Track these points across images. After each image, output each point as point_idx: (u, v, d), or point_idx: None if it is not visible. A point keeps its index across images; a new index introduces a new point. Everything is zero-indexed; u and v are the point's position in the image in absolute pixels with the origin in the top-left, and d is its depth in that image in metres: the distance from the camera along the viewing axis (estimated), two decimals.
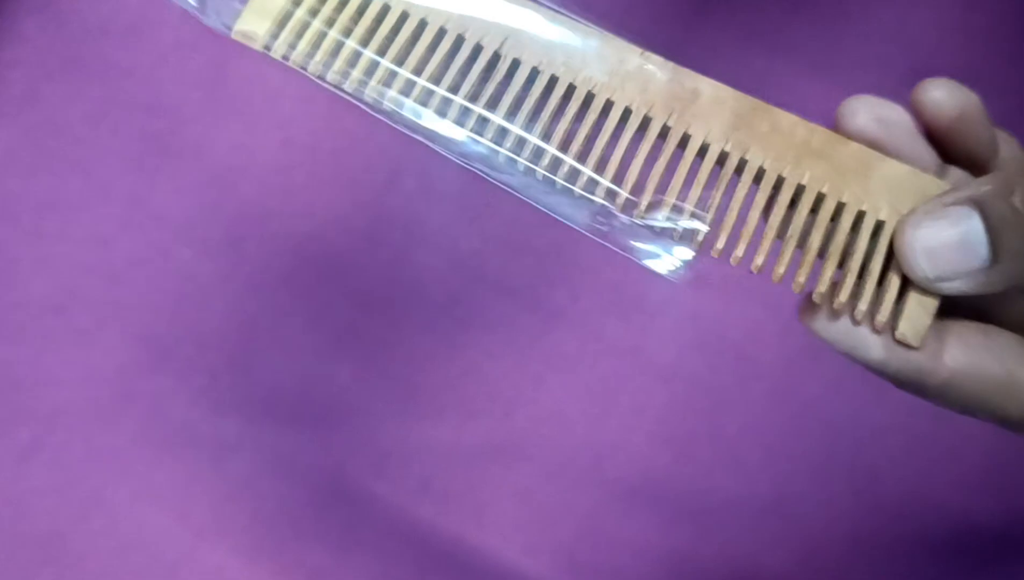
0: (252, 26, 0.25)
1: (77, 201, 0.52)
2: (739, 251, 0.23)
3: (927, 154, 0.24)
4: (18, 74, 0.54)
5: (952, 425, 0.47)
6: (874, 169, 0.24)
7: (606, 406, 0.49)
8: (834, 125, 0.24)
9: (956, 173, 0.25)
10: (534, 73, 0.24)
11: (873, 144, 0.24)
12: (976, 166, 0.25)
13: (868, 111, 0.24)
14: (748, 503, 0.47)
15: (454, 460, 0.48)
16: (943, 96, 0.24)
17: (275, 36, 0.25)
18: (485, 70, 0.24)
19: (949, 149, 0.25)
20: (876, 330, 0.24)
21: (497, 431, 0.48)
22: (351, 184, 0.52)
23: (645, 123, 0.24)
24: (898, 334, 0.23)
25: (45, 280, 0.51)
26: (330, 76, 0.25)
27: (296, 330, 0.50)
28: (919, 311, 0.23)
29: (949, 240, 0.23)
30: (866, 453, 0.47)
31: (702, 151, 0.24)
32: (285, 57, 0.24)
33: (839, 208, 0.24)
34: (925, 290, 0.23)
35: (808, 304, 0.24)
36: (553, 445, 0.48)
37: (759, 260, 0.23)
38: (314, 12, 0.25)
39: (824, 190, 0.24)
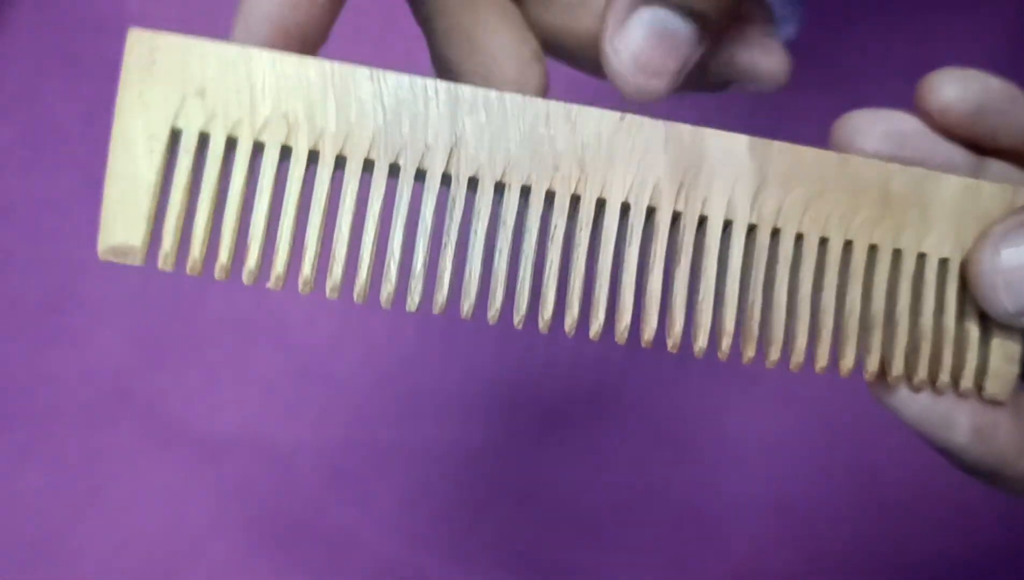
0: (122, 237, 0.19)
1: (74, 199, 0.52)
2: (797, 357, 0.20)
3: (956, 154, 0.21)
4: (15, 71, 0.54)
5: None
6: (925, 192, 0.20)
7: (606, 406, 0.48)
8: None
9: (996, 166, 0.22)
10: (500, 189, 0.19)
11: None
12: (1017, 153, 0.22)
13: (873, 128, 0.21)
14: (748, 503, 0.47)
15: (454, 460, 0.48)
16: (954, 92, 0.21)
17: (158, 239, 0.19)
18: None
19: (979, 143, 0.21)
20: (961, 396, 0.21)
21: (496, 431, 0.48)
22: None
23: (650, 214, 0.20)
24: (986, 395, 0.20)
25: (41, 279, 0.51)
26: (245, 277, 0.18)
27: (295, 328, 0.50)
28: (1002, 362, 0.21)
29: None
30: (867, 453, 0.47)
31: (726, 230, 0.20)
32: (180, 265, 0.18)
33: (896, 258, 0.20)
34: (1005, 334, 0.20)
35: (879, 378, 0.21)
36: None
37: (821, 361, 0.21)
38: (194, 191, 0.19)
39: (875, 240, 0.20)
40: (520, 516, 0.47)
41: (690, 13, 0.20)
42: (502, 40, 0.23)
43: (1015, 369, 0.21)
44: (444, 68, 0.23)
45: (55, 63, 0.54)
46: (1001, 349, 0.20)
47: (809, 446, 0.47)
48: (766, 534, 0.46)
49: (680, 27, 0.21)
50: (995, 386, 0.20)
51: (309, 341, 0.50)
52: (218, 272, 0.18)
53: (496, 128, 0.19)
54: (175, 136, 0.18)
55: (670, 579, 0.46)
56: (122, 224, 0.19)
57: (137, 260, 0.19)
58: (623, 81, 0.21)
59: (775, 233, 0.20)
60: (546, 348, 0.49)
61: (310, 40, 0.21)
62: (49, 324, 0.50)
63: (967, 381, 0.20)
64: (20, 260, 0.51)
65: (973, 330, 0.20)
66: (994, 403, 0.21)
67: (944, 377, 0.20)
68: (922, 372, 0.20)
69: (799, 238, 0.20)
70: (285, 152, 0.19)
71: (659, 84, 0.21)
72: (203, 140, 0.18)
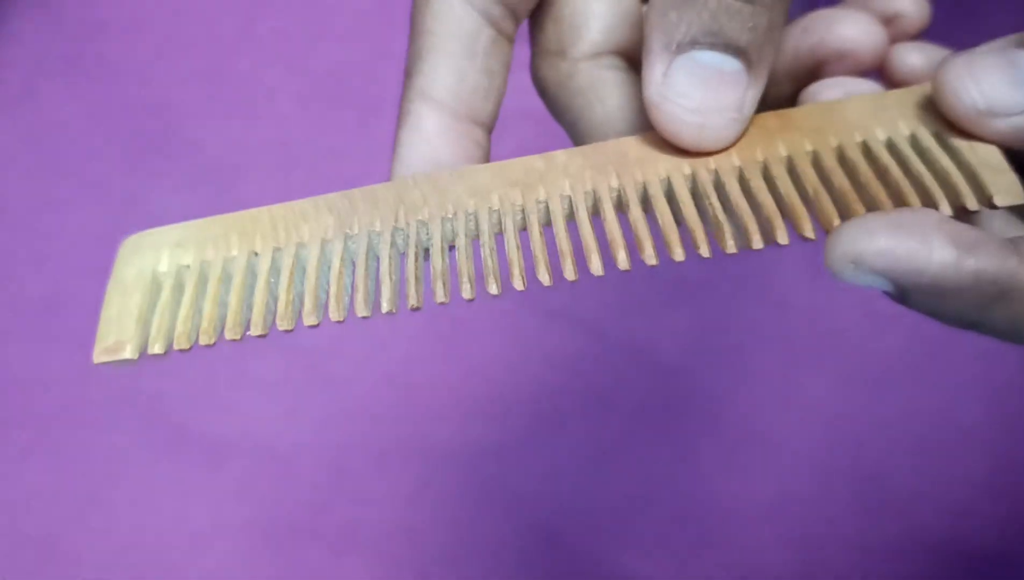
0: (115, 336, 0.21)
1: (75, 200, 0.52)
2: (780, 228, 0.20)
3: None
4: (16, 73, 0.54)
5: (953, 425, 0.47)
6: (838, 112, 0.21)
7: (606, 406, 0.48)
8: None
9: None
10: (451, 227, 0.22)
11: None
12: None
13: (838, 91, 0.22)
14: (748, 503, 0.47)
15: (454, 460, 0.48)
16: (918, 61, 0.22)
17: (146, 334, 0.21)
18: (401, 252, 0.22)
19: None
20: (967, 209, 0.19)
21: (495, 431, 0.48)
22: (349, 182, 0.52)
23: (596, 202, 0.21)
24: (998, 200, 0.19)
25: (43, 280, 0.51)
26: (227, 334, 0.21)
27: (295, 329, 0.50)
28: (993, 173, 0.20)
29: (998, 65, 0.20)
30: (867, 453, 0.47)
31: (669, 195, 0.21)
32: (169, 349, 0.21)
33: (841, 152, 0.21)
34: (982, 150, 0.20)
35: (837, 237, 0.19)
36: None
37: (806, 228, 0.20)
38: (177, 296, 0.22)
39: (809, 148, 0.21)
40: (520, 516, 0.47)
41: (729, 47, 0.20)
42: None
43: (1010, 172, 0.20)
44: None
45: (55, 63, 0.54)
46: (986, 164, 0.20)
47: (809, 446, 0.47)
48: (766, 534, 0.46)
49: (726, 64, 0.20)
50: (1003, 196, 0.19)
51: (309, 342, 0.50)
52: (202, 337, 0.21)
53: (438, 191, 0.23)
54: (157, 274, 0.22)
55: (670, 579, 0.46)
56: (114, 329, 0.21)
57: (130, 353, 0.21)
58: (677, 131, 0.20)
59: (716, 178, 0.21)
60: (546, 348, 0.49)
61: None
62: (49, 324, 0.50)
63: (972, 202, 0.19)
64: (20, 260, 0.51)
65: (949, 165, 0.20)
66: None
67: (945, 208, 0.20)
68: (913, 199, 0.20)
69: (738, 170, 0.21)
70: (252, 256, 0.22)
71: (720, 122, 0.20)
72: (184, 267, 0.22)
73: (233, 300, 0.22)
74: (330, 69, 0.53)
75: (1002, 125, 0.20)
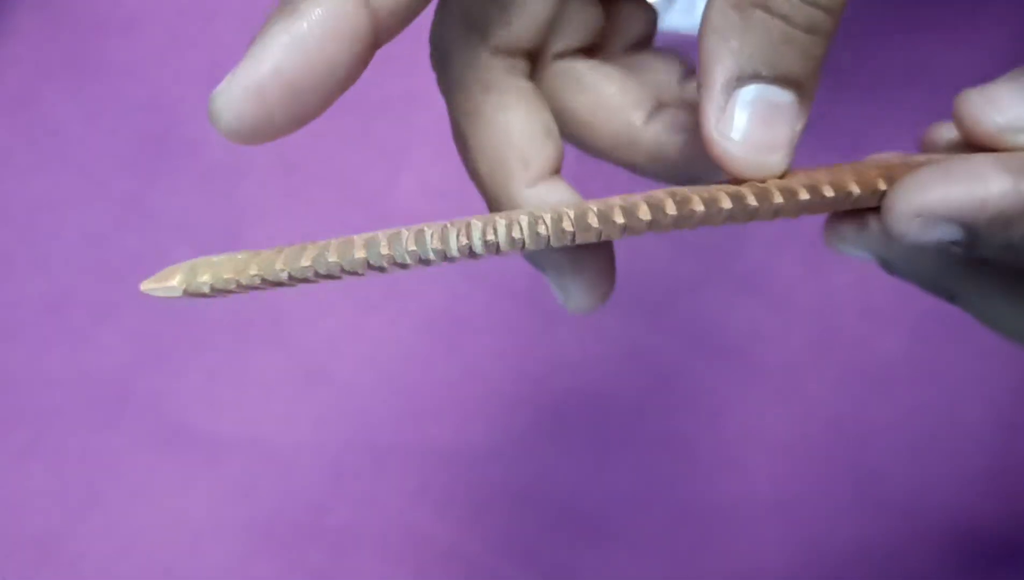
0: (161, 276, 0.23)
1: (74, 199, 0.52)
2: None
3: None
4: (15, 72, 0.54)
5: (954, 424, 0.47)
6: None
7: (606, 406, 0.48)
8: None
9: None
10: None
11: None
12: None
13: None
14: (748, 503, 0.47)
15: (454, 460, 0.48)
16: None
17: (194, 276, 0.22)
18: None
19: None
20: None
21: (495, 431, 0.48)
22: (350, 183, 0.52)
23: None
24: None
25: (41, 279, 0.51)
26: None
27: (295, 328, 0.50)
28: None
29: (1012, 88, 0.21)
30: (867, 453, 0.47)
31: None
32: (215, 288, 0.22)
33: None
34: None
35: (894, 198, 0.20)
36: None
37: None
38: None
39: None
40: (520, 516, 0.47)
41: (787, 82, 0.20)
42: (515, 116, 0.23)
43: None
44: (460, 141, 0.25)
45: (55, 63, 0.54)
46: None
47: (809, 446, 0.47)
48: (766, 534, 0.46)
49: (782, 98, 0.20)
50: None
51: (309, 341, 0.50)
52: (250, 278, 0.23)
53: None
54: (187, 292, 0.23)
55: (670, 579, 0.46)
56: (162, 275, 0.23)
57: (176, 282, 0.22)
58: (737, 165, 0.20)
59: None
60: (546, 348, 0.49)
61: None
62: (49, 324, 0.50)
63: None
64: (20, 260, 0.51)
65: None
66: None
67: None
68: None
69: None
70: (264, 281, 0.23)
71: (776, 159, 0.20)
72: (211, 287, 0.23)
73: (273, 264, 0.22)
74: None
75: (1022, 139, 0.20)
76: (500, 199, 0.24)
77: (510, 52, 0.23)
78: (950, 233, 0.19)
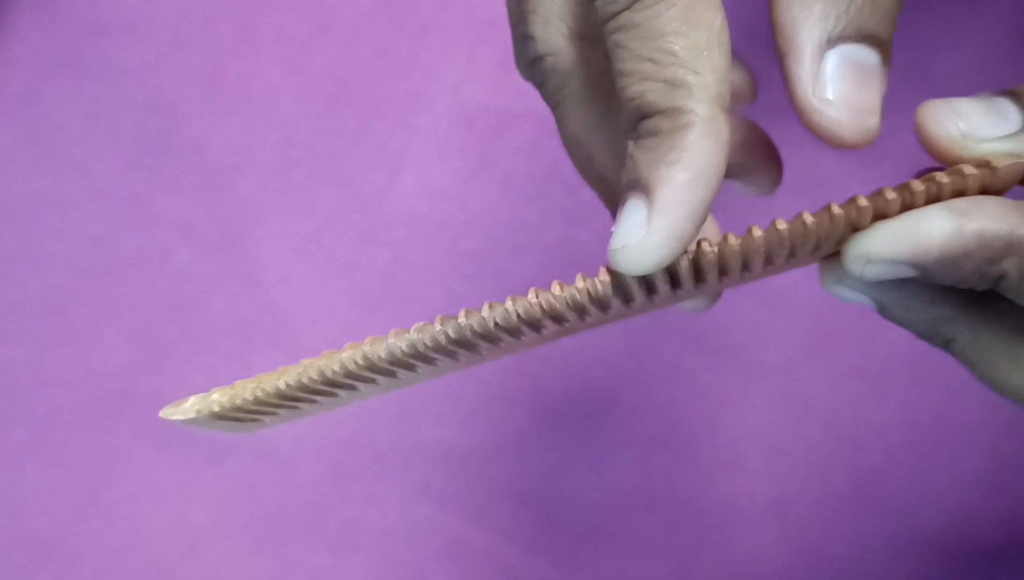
0: (179, 404, 0.26)
1: (75, 200, 0.52)
2: None
3: None
4: (16, 72, 0.54)
5: (954, 425, 0.47)
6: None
7: (606, 406, 0.48)
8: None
9: None
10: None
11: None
12: None
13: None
14: (748, 503, 0.47)
15: (454, 460, 0.48)
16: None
17: (208, 403, 0.25)
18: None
19: None
20: (975, 186, 0.20)
21: (495, 431, 0.48)
22: (349, 182, 0.52)
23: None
24: (1002, 170, 0.20)
25: (42, 279, 0.51)
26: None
27: (295, 328, 0.50)
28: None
29: (974, 101, 0.21)
30: (866, 453, 0.47)
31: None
32: (225, 410, 0.24)
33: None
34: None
35: (847, 249, 0.21)
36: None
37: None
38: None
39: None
40: (520, 516, 0.47)
41: (873, 41, 0.20)
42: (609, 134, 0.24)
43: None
44: (572, 145, 0.25)
45: (56, 63, 0.54)
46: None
47: (809, 446, 0.47)
48: (766, 534, 0.46)
49: (870, 59, 0.20)
50: (1002, 158, 0.20)
51: (309, 341, 0.50)
52: (261, 408, 0.26)
53: None
54: (198, 415, 0.26)
55: (670, 578, 0.46)
56: (179, 404, 0.26)
57: (191, 407, 0.26)
58: (840, 131, 0.20)
59: None
60: (546, 348, 0.49)
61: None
62: (49, 324, 0.50)
63: (970, 167, 0.20)
64: (20, 260, 0.51)
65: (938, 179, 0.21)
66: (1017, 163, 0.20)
67: (943, 178, 0.20)
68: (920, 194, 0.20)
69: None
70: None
71: (874, 121, 0.20)
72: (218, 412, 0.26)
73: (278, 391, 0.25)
74: (330, 69, 0.53)
75: (982, 150, 0.20)
76: None
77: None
78: (902, 272, 0.20)
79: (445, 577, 0.47)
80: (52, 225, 0.52)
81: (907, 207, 0.20)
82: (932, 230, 0.20)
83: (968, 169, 0.20)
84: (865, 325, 0.48)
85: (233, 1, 0.55)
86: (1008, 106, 0.21)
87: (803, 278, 0.50)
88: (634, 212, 0.19)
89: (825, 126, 0.20)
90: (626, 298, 0.21)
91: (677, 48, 0.19)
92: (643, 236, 0.19)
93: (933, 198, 0.20)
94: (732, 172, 0.26)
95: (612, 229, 0.20)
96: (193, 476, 0.48)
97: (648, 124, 0.19)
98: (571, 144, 0.24)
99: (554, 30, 0.23)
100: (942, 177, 0.20)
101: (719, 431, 0.48)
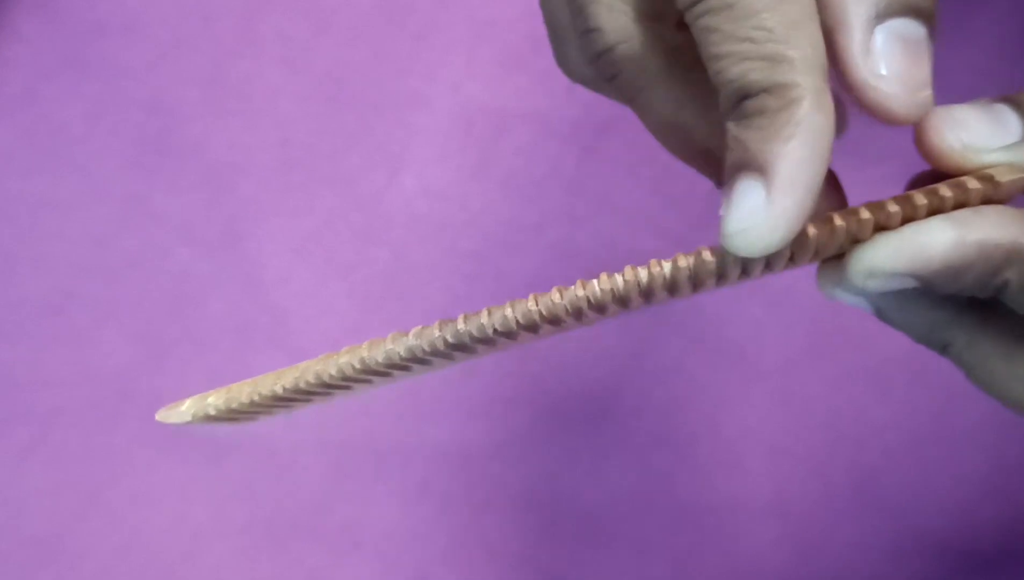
0: (175, 407, 0.25)
1: (75, 200, 0.52)
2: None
3: None
4: (15, 73, 0.54)
5: (954, 425, 0.47)
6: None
7: (606, 406, 0.48)
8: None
9: None
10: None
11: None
12: None
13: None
14: (748, 503, 0.47)
15: (454, 460, 0.48)
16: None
17: (204, 406, 0.25)
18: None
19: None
20: (973, 197, 0.20)
21: (495, 431, 0.48)
22: (349, 182, 0.52)
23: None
24: (1005, 184, 0.20)
25: (42, 280, 0.51)
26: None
27: (295, 328, 0.50)
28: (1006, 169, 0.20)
29: (976, 109, 0.21)
30: (867, 453, 0.47)
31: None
32: (222, 413, 0.24)
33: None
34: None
35: (850, 261, 0.21)
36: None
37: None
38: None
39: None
40: (520, 516, 0.47)
41: (920, 14, 0.20)
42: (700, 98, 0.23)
43: (1016, 169, 0.21)
44: (666, 130, 0.24)
45: (56, 63, 0.54)
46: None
47: (809, 446, 0.47)
48: (766, 534, 0.46)
49: (918, 32, 0.20)
50: (1004, 172, 0.20)
51: (309, 341, 0.50)
52: (257, 411, 0.26)
53: None
54: (194, 419, 0.26)
55: (669, 579, 0.46)
56: (175, 407, 0.26)
57: (186, 410, 0.25)
58: (897, 106, 0.20)
59: None
60: (546, 348, 0.49)
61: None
62: (49, 324, 0.50)
63: (973, 181, 0.20)
64: (20, 260, 0.51)
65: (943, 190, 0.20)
66: (1015, 181, 0.20)
67: (946, 192, 0.20)
68: (922, 206, 0.20)
69: None
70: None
71: (927, 94, 0.20)
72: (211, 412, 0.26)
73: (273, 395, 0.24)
74: (330, 69, 0.53)
75: (983, 160, 0.20)
76: None
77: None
78: (904, 283, 0.20)
79: (445, 577, 0.47)
80: (52, 225, 0.52)
81: (909, 220, 0.20)
82: (933, 242, 0.20)
83: (972, 183, 0.20)
84: (865, 325, 0.48)
85: (233, 1, 0.55)
86: (1008, 114, 0.21)
87: (803, 278, 0.50)
88: (750, 193, 0.19)
89: (881, 102, 0.20)
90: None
91: (772, 24, 0.19)
92: (765, 216, 0.19)
93: (935, 211, 0.20)
94: None
95: (721, 213, 0.20)
96: (193, 476, 0.48)
97: (753, 103, 0.19)
98: (665, 129, 0.24)
99: (621, 15, 0.22)
100: (944, 190, 0.20)
101: (719, 431, 0.48)
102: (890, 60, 0.20)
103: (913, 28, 0.20)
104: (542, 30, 0.27)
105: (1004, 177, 0.20)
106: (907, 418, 0.47)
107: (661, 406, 0.48)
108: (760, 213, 0.19)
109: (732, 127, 0.20)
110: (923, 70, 0.20)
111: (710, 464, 0.47)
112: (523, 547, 0.47)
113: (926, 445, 0.47)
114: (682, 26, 0.22)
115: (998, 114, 0.21)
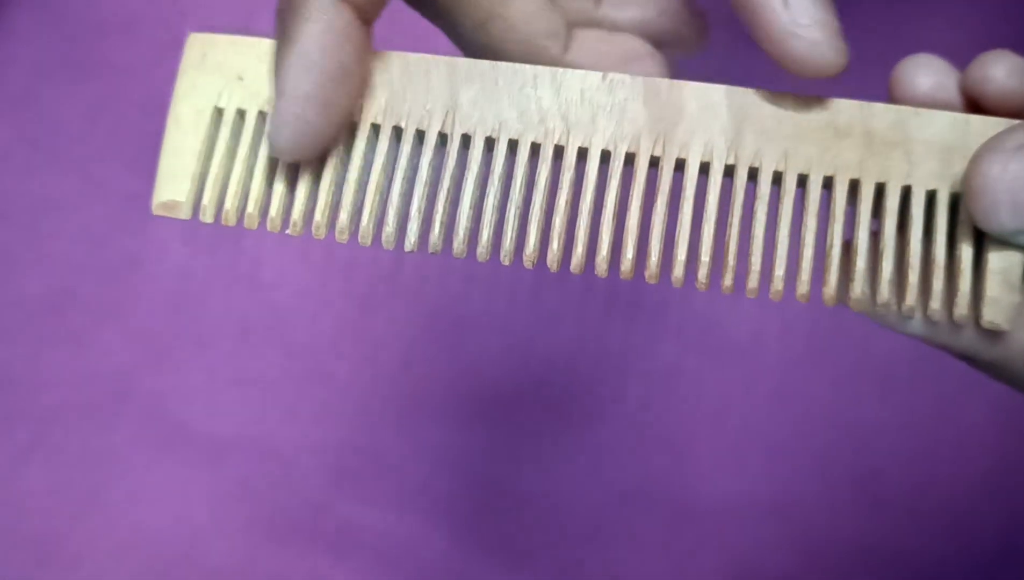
0: (171, 194, 0.22)
1: (74, 200, 0.52)
2: (777, 285, 0.20)
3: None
4: (15, 72, 0.54)
5: (954, 425, 0.47)
6: (910, 129, 0.20)
7: (606, 407, 0.48)
8: (888, 94, 0.21)
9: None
10: (490, 144, 0.21)
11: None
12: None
13: (931, 76, 0.21)
14: (748, 504, 0.47)
15: (454, 460, 0.48)
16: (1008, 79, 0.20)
17: (200, 197, 0.22)
18: (435, 158, 0.21)
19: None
20: (957, 324, 0.20)
21: (495, 431, 0.48)
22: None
23: (630, 160, 0.21)
24: (985, 322, 0.20)
25: (42, 279, 0.51)
26: (269, 225, 0.22)
27: (295, 328, 0.50)
28: (1002, 286, 0.20)
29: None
30: (867, 453, 0.47)
31: (705, 172, 0.21)
32: (217, 216, 0.22)
33: (880, 191, 0.21)
34: (1004, 259, 0.20)
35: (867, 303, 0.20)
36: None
37: (802, 288, 0.21)
38: (231, 156, 0.22)
39: (857, 175, 0.20)
40: (520, 516, 0.47)
41: None
42: (521, 3, 0.23)
43: (1016, 296, 0.20)
44: (475, 50, 0.24)
45: (55, 64, 0.54)
46: (1000, 275, 0.20)
47: (809, 446, 0.47)
48: (766, 534, 0.46)
49: None
50: (993, 313, 0.20)
51: (309, 341, 0.50)
52: (247, 221, 0.22)
53: (488, 93, 0.21)
54: (218, 112, 0.23)
55: (670, 579, 0.46)
56: (171, 185, 0.22)
57: (184, 214, 0.22)
58: (822, 55, 0.20)
59: (753, 173, 0.21)
60: (546, 348, 0.49)
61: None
62: (49, 324, 0.50)
63: (961, 309, 0.20)
64: (20, 260, 0.51)
65: (967, 257, 0.20)
66: (995, 331, 0.20)
67: (935, 304, 0.20)
68: (910, 299, 0.20)
69: (777, 177, 0.21)
70: None
71: (844, 44, 0.20)
72: (241, 115, 0.23)
73: (279, 188, 0.22)
74: None
75: None
76: None
77: None
78: None
79: (445, 577, 0.47)
80: (50, 225, 0.52)
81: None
82: (961, 335, 0.20)
83: None
84: (865, 325, 0.48)
85: (233, 1, 0.55)
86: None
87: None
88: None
89: (807, 50, 0.20)
90: None
91: None
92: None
93: None
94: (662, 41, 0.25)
95: None
96: (193, 476, 0.48)
97: None
98: None
99: None
100: None
101: (719, 431, 0.48)
102: (807, 10, 0.20)
103: None
104: None
105: (993, 318, 0.20)
106: (907, 418, 0.47)
107: (661, 406, 0.48)
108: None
109: None
110: (835, 17, 0.20)
111: (710, 464, 0.47)
112: (523, 547, 0.47)
113: (926, 445, 0.47)
114: None
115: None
